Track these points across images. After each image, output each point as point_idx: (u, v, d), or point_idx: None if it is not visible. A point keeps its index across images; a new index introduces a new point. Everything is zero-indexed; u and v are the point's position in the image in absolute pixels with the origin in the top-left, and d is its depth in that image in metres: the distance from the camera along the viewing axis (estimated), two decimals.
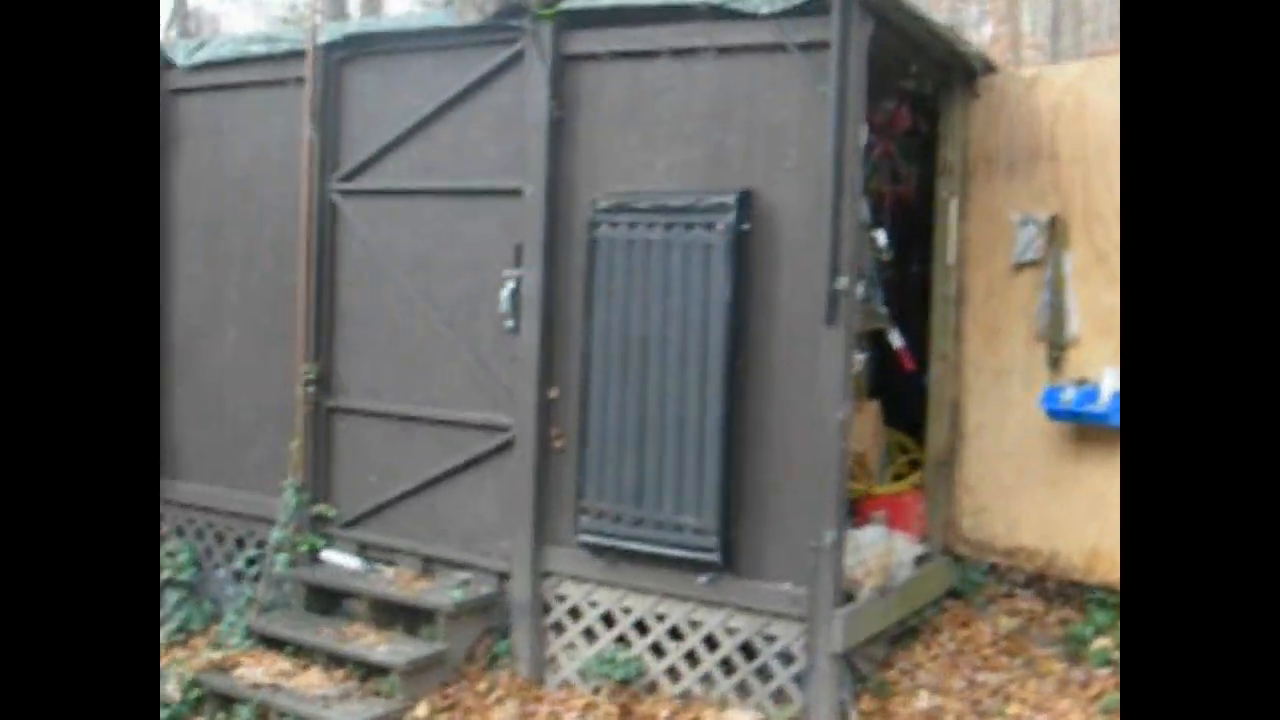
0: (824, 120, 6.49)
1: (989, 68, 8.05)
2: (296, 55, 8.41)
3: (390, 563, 8.14)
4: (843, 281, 6.46)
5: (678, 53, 7.04)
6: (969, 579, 8.17)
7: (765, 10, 6.63)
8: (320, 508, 8.36)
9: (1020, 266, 7.79)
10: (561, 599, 7.48)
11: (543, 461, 7.47)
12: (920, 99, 8.42)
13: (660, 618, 7.14)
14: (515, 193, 7.53)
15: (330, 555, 8.28)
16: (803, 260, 6.65)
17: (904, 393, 8.72)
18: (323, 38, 8.33)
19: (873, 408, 8.54)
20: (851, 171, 6.46)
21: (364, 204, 8.29)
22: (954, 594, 8.11)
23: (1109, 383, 7.20)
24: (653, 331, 6.95)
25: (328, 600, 8.07)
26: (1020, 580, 8.25)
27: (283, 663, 7.61)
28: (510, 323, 7.57)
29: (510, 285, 7.54)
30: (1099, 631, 7.34)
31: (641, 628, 7.23)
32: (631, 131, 7.20)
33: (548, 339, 7.46)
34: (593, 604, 7.36)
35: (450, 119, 7.89)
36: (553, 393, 7.45)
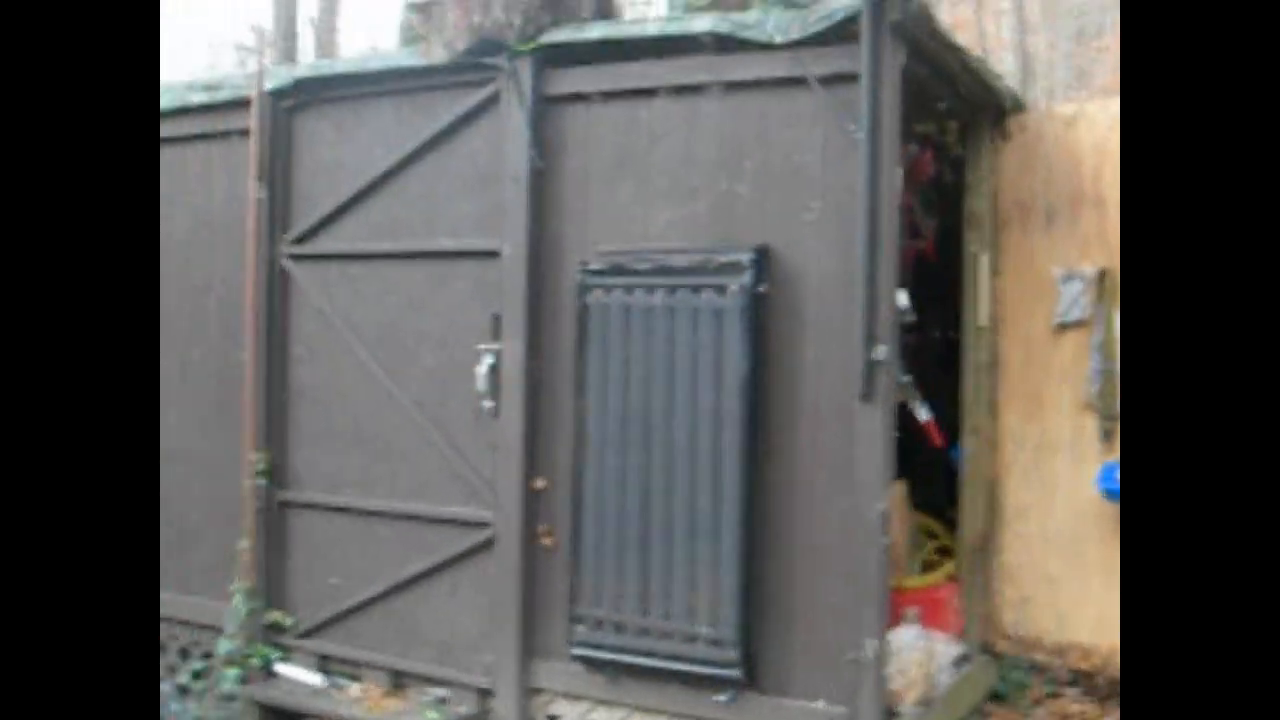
0: (851, 165, 5.63)
1: (1020, 105, 7.21)
2: (241, 104, 7.48)
3: (355, 678, 7.14)
4: (881, 351, 5.56)
5: (679, 90, 6.16)
6: (1010, 678, 7.27)
7: (780, 39, 5.77)
8: (274, 615, 7.36)
9: (1064, 327, 6.96)
10: (553, 719, 6.50)
11: (529, 562, 6.52)
12: (941, 143, 7.57)
13: None
14: (492, 254, 6.62)
15: (286, 669, 7.28)
16: (831, 327, 5.76)
17: (928, 472, 7.85)
18: (270, 83, 7.41)
19: (898, 490, 7.63)
20: (888, 224, 5.59)
21: (319, 270, 7.34)
22: (994, 695, 7.21)
23: None
24: (656, 411, 6.02)
25: None
26: (1065, 678, 7.34)
27: None
28: (489, 404, 6.62)
29: (488, 361, 6.60)
30: None
31: None
32: (626, 182, 6.30)
33: (533, 422, 6.52)
34: None
35: (417, 172, 6.97)
36: (539, 483, 6.50)
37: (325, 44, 23.89)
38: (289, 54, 19.86)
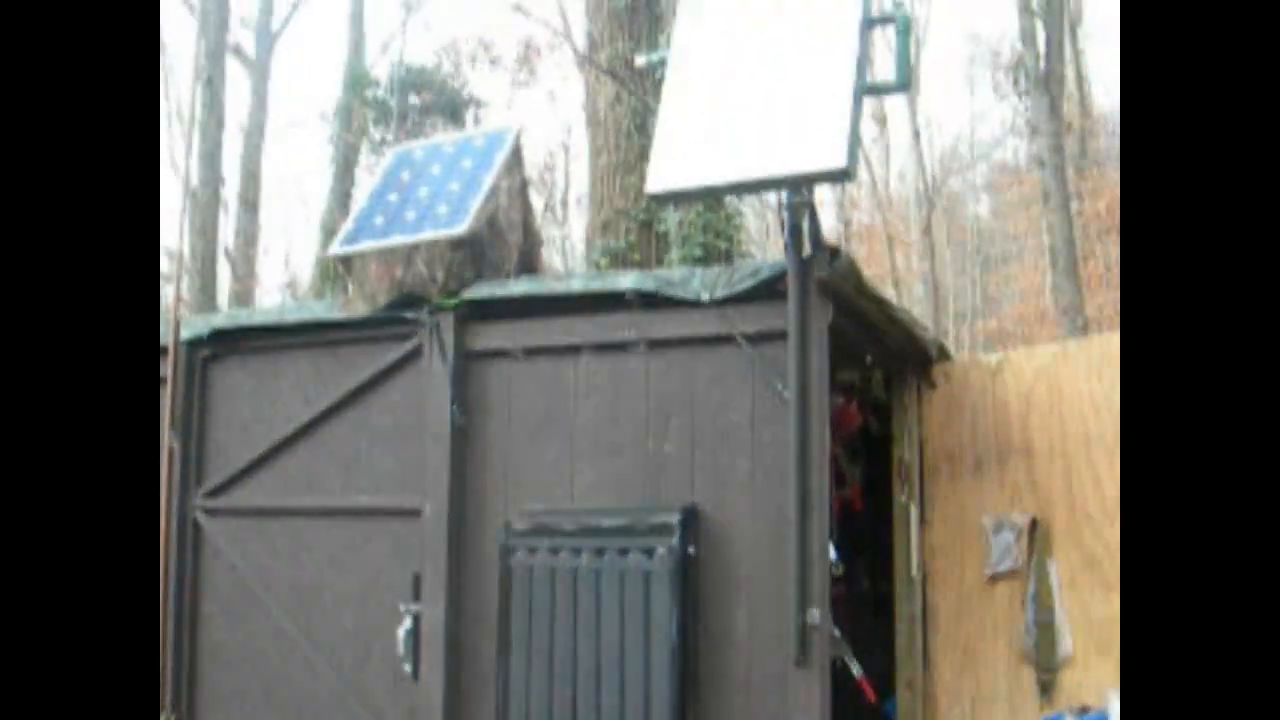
0: (780, 422, 5.55)
1: (945, 354, 7.22)
2: None
3: None
4: (815, 615, 5.39)
5: (604, 347, 6.09)
6: None
7: (707, 297, 5.73)
8: None
9: (997, 577, 6.83)
10: None
11: None
12: (866, 392, 7.55)
13: None
14: (414, 513, 6.43)
15: None
16: (762, 589, 5.59)
17: None
18: (186, 333, 7.27)
19: None
20: (818, 482, 5.47)
21: (234, 524, 7.11)
22: None
23: (1115, 708, 6.17)
24: (583, 677, 5.77)
25: None
26: None
27: None
28: (408, 666, 6.35)
29: (407, 623, 6.36)
30: None
31: None
32: (551, 440, 6.17)
33: (454, 686, 6.25)
34: None
35: (336, 426, 6.82)
36: None
37: (242, 275, 23.90)
38: (207, 287, 19.82)
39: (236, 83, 24.47)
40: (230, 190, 23.96)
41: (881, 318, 6.34)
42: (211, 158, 20.95)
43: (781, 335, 5.56)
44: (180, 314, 7.58)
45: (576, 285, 6.21)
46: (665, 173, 5.59)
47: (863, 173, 28.12)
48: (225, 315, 7.67)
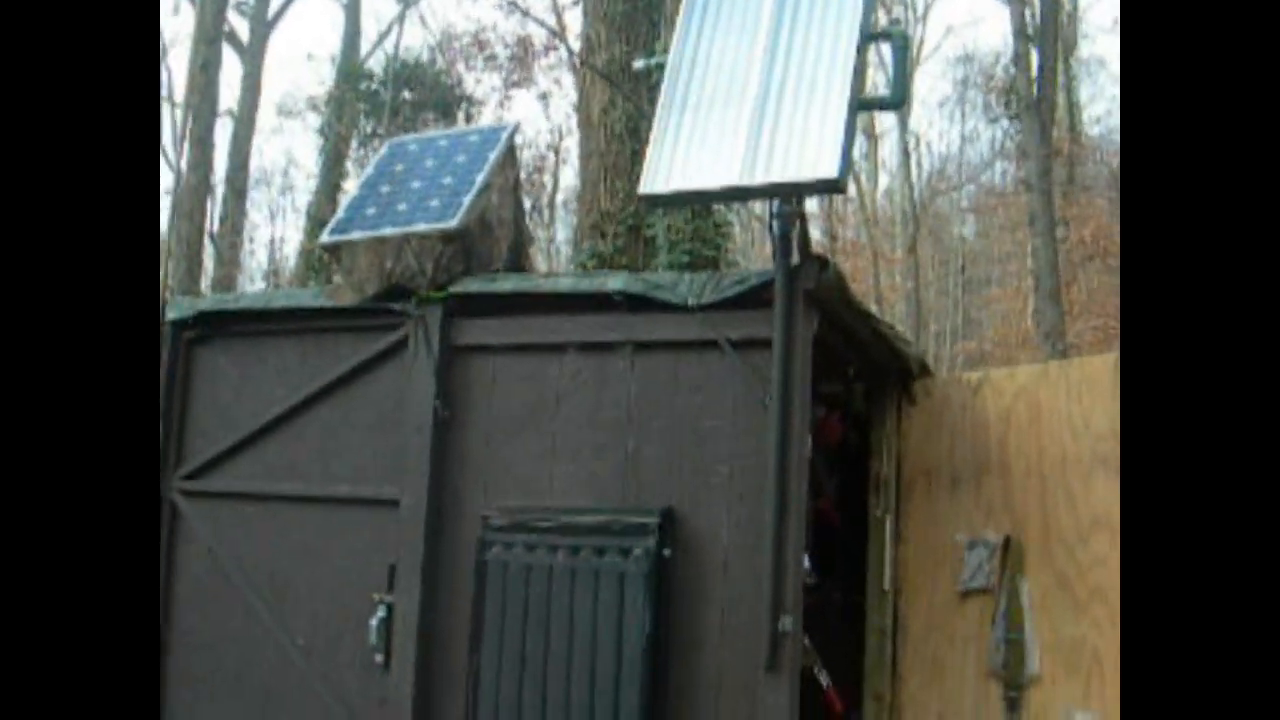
0: (760, 429, 5.59)
1: (927, 370, 7.26)
2: None
3: None
4: (787, 622, 5.43)
5: (588, 347, 6.12)
6: None
7: (694, 302, 5.76)
8: None
9: (968, 594, 6.85)
10: None
11: None
12: (847, 404, 7.58)
13: None
14: (392, 504, 6.45)
15: None
16: (736, 594, 5.63)
17: None
18: (171, 313, 7.27)
19: None
20: (796, 491, 5.51)
21: (211, 507, 7.12)
22: None
23: None
24: (554, 674, 5.80)
25: None
26: None
27: None
28: (379, 657, 6.37)
29: (381, 613, 6.37)
30: None
31: None
32: (532, 437, 6.20)
33: (425, 678, 6.27)
34: None
35: (318, 413, 6.83)
36: None
37: (227, 262, 23.87)
38: (192, 271, 19.79)
39: (229, 68, 24.45)
40: (218, 176, 23.96)
41: (866, 330, 6.38)
42: (203, 142, 20.93)
43: (766, 343, 5.59)
44: (165, 296, 7.57)
45: (564, 284, 6.25)
46: (658, 175, 5.63)
47: (850, 188, 28.23)
48: (211, 298, 7.69)
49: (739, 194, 5.96)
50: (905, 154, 27.77)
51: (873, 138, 29.96)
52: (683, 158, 5.62)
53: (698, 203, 9.81)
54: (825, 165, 5.27)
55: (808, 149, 5.33)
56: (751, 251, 26.76)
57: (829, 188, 5.60)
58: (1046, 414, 6.72)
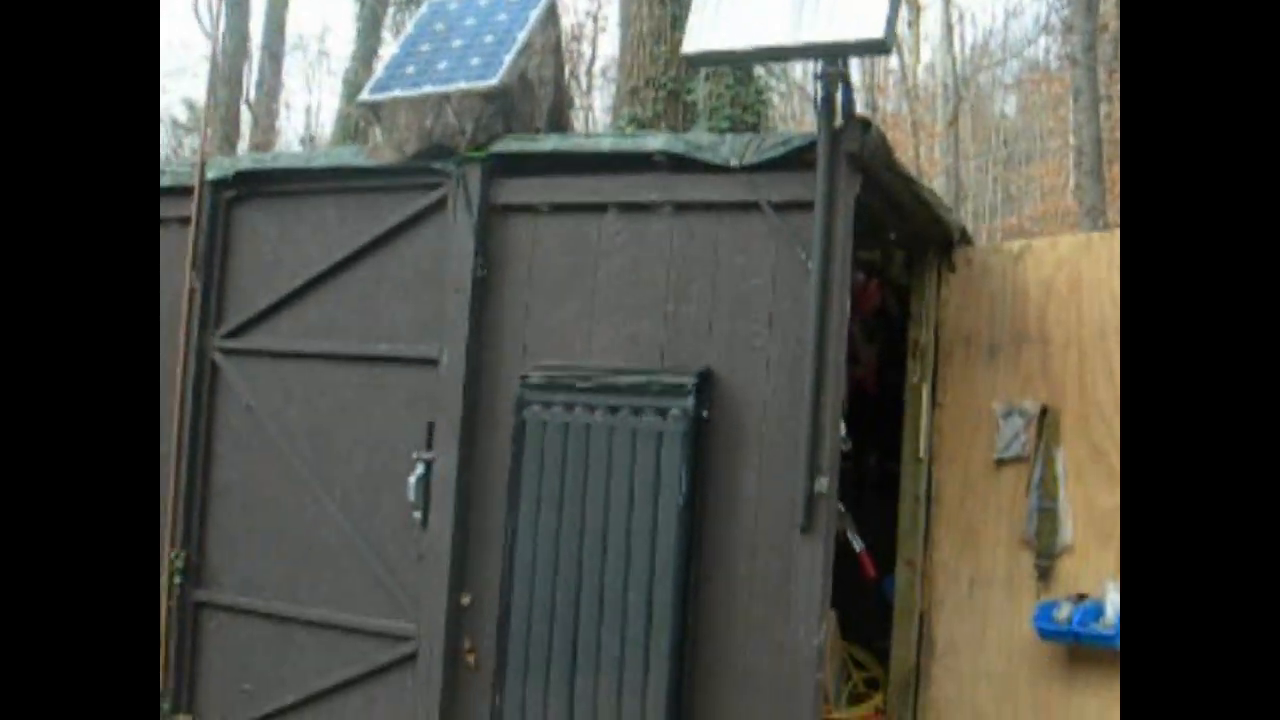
0: (801, 292, 5.57)
1: (967, 238, 7.20)
2: (180, 191, 7.29)
3: None
4: (823, 483, 5.46)
5: (628, 208, 6.09)
6: None
7: (735, 163, 5.71)
8: (182, 718, 7.07)
9: (1003, 462, 6.87)
10: None
11: (451, 680, 6.31)
12: (885, 272, 7.54)
13: None
14: (430, 362, 6.47)
15: None
16: (773, 456, 5.66)
17: (858, 601, 7.72)
18: (212, 173, 7.25)
19: (829, 619, 7.50)
20: (835, 355, 5.51)
21: (251, 365, 7.16)
22: None
23: (1113, 598, 6.25)
24: (590, 532, 5.87)
25: None
26: None
27: None
28: (418, 513, 6.44)
29: (419, 470, 6.44)
30: None
31: None
32: (571, 297, 6.20)
33: (462, 535, 6.35)
34: None
35: (357, 273, 6.83)
36: (465, 599, 6.32)
37: (264, 126, 23.78)
38: (229, 137, 19.73)
39: None
40: (254, 42, 23.75)
41: (907, 196, 6.32)
42: (239, 7, 20.75)
43: (808, 205, 5.56)
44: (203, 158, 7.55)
45: (606, 144, 6.21)
46: (701, 35, 5.57)
47: (892, 59, 27.83)
48: (251, 157, 7.66)
49: (782, 54, 5.90)
50: (948, 27, 27.25)
51: (916, 7, 29.39)
52: (726, 17, 5.55)
53: (740, 63, 9.68)
54: (871, 25, 5.20)
55: (853, 9, 5.26)
56: (792, 123, 26.44)
57: (874, 48, 5.52)
58: (1088, 285, 6.68)
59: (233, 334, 7.20)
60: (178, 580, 7.10)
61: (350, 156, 6.89)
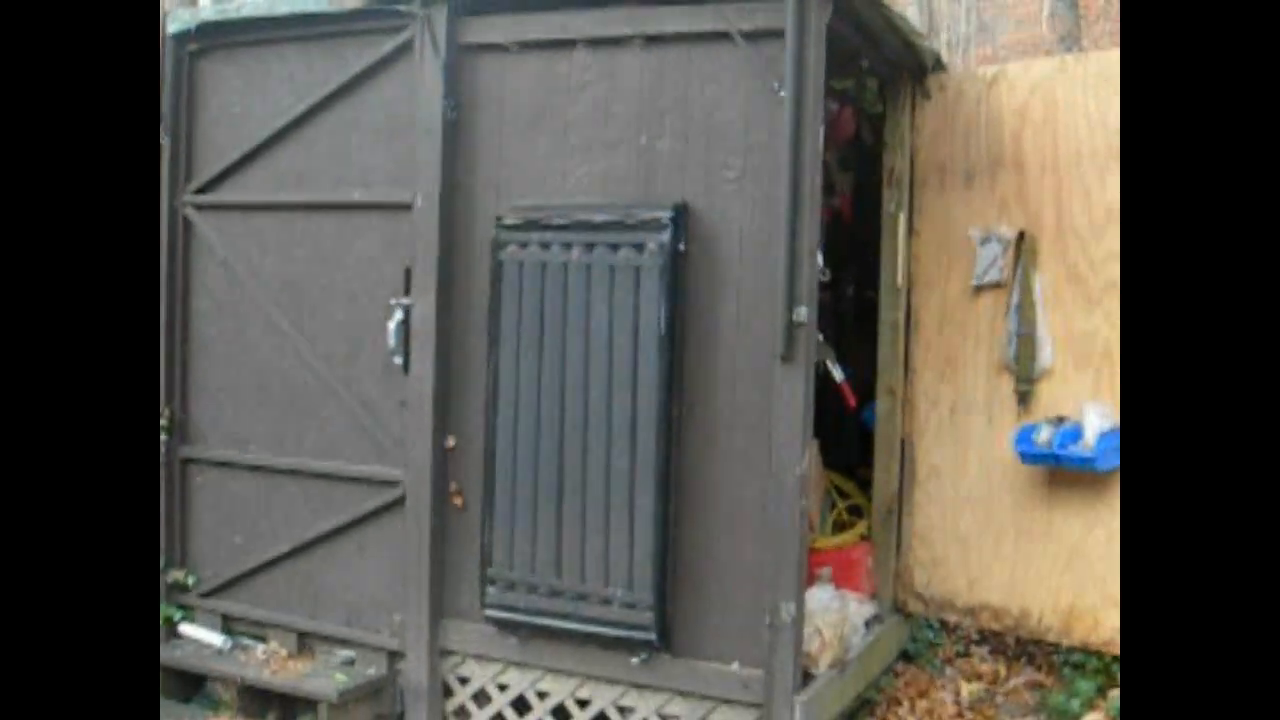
0: (774, 123, 5.54)
1: (941, 65, 7.14)
2: None
3: (261, 638, 6.95)
4: (802, 313, 5.48)
5: (597, 43, 6.00)
6: (920, 638, 7.29)
7: None
8: (175, 574, 7.15)
9: (981, 289, 6.91)
10: (464, 681, 6.41)
11: (440, 522, 6.38)
12: (860, 101, 7.47)
13: (583, 704, 6.12)
14: (404, 207, 6.43)
15: (190, 630, 7.07)
16: (751, 286, 5.67)
17: (840, 430, 7.81)
18: (173, 27, 7.12)
19: (811, 448, 7.58)
20: (810, 184, 5.48)
21: (224, 220, 7.10)
22: (905, 655, 7.21)
23: (1092, 421, 6.32)
24: (572, 369, 5.90)
25: (188, 684, 6.86)
26: (974, 637, 7.35)
27: None
28: (399, 359, 6.46)
29: (398, 316, 6.44)
30: (1087, 704, 6.45)
31: (561, 715, 6.18)
32: (543, 135, 6.14)
33: (444, 379, 6.37)
34: (502, 687, 6.30)
35: (326, 121, 6.75)
36: (450, 442, 6.36)
37: None
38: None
39: None
40: None
41: (880, 22, 6.25)
42: None
43: (779, 34, 5.49)
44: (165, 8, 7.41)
45: None
46: None
47: None
48: (213, 9, 7.49)
49: None
50: None
51: None
52: None
53: None
54: None
55: None
56: None
57: None
58: (1063, 108, 6.65)
59: (203, 189, 7.12)
60: (163, 437, 7.11)
61: (314, 2, 6.76)
